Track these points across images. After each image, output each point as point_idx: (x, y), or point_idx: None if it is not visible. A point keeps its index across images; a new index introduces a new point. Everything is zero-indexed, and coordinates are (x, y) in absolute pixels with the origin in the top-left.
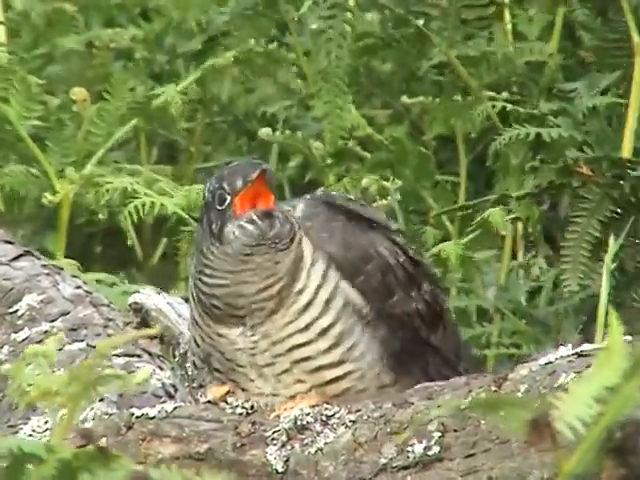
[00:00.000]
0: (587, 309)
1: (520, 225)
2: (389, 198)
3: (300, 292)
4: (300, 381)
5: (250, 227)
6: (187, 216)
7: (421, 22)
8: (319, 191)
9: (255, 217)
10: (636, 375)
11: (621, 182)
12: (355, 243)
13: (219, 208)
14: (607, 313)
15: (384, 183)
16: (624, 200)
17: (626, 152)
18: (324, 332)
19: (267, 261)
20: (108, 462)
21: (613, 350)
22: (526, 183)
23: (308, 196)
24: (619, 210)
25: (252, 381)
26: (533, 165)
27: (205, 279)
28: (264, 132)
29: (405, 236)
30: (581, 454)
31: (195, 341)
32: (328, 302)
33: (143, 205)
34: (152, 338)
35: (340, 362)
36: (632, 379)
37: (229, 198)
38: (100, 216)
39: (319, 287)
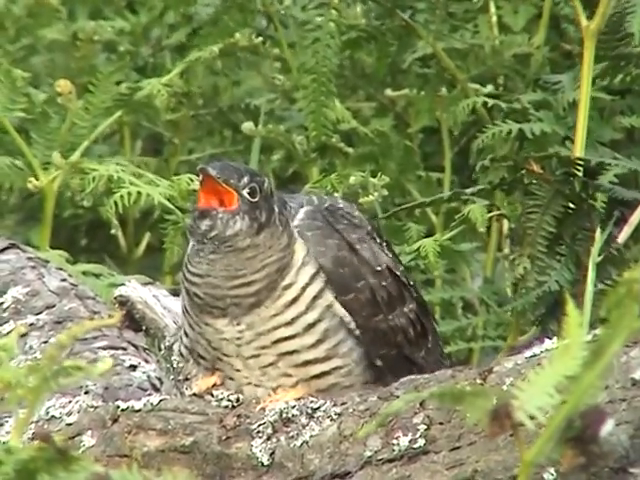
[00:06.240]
0: (544, 304)
1: (506, 222)
2: (376, 194)
3: (287, 287)
4: (286, 375)
5: (193, 224)
6: (172, 206)
7: (407, 15)
8: (325, 197)
9: (196, 214)
10: (596, 364)
11: (571, 179)
12: (348, 261)
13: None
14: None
15: (372, 180)
16: (575, 196)
17: (578, 149)
18: (310, 327)
19: (217, 261)
20: (68, 463)
21: (572, 340)
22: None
23: (314, 200)
24: (572, 205)
25: (238, 371)
26: (484, 164)
27: (189, 266)
28: (247, 126)
29: (394, 252)
30: (541, 443)
31: (184, 329)
32: (314, 299)
33: (129, 194)
34: (119, 327)
35: (326, 358)
36: (592, 368)
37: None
38: (85, 203)
39: (307, 285)
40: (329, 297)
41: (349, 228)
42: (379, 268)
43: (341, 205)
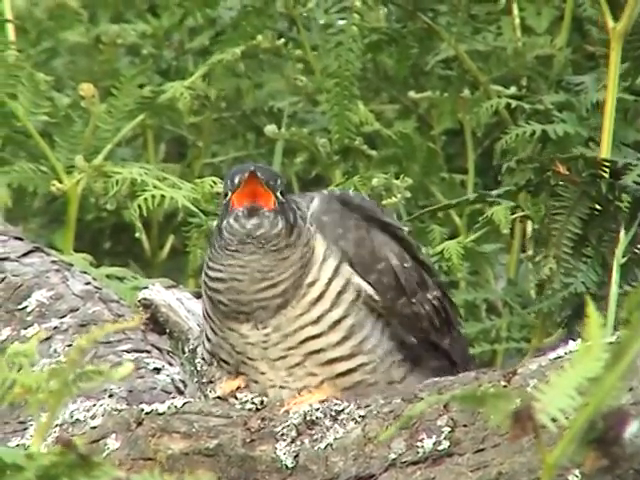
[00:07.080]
0: (570, 306)
1: (529, 223)
2: (399, 196)
3: (311, 284)
4: (312, 374)
5: (235, 223)
6: (196, 209)
7: (428, 17)
8: (336, 190)
9: (240, 213)
10: (618, 365)
11: (598, 180)
12: (368, 242)
13: (224, 203)
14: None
15: (395, 181)
16: (602, 197)
17: (604, 151)
18: (335, 325)
19: (254, 262)
20: (89, 469)
21: (594, 341)
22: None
23: (325, 192)
24: (598, 207)
25: (263, 374)
26: (510, 166)
27: (209, 272)
28: (270, 129)
29: (414, 239)
30: (564, 446)
31: (206, 334)
32: (339, 295)
33: (152, 197)
34: (143, 330)
35: (352, 355)
36: (614, 369)
37: (230, 194)
38: (108, 206)
39: (330, 280)
40: (356, 286)
41: (365, 211)
42: (398, 250)
43: (352, 195)
